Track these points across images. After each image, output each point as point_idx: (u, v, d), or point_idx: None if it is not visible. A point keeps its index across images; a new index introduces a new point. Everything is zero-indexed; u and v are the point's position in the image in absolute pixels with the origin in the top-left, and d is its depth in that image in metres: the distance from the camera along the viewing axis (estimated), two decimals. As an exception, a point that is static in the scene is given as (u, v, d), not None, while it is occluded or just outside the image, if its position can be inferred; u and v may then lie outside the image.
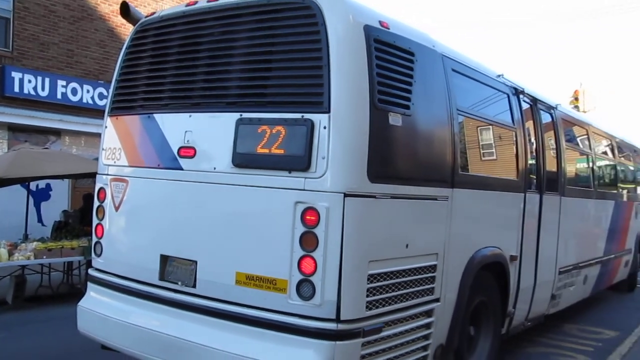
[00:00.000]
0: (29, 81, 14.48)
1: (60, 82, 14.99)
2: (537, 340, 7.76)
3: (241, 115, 4.34)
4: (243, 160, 4.30)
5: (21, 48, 14.60)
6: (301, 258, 4.01)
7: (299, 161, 4.04)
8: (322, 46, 4.08)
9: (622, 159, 11.46)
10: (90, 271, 5.42)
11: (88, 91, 15.30)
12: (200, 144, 4.60)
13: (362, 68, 4.12)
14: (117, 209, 5.16)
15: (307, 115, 4.05)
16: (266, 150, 4.19)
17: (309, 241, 4.00)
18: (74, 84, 15.18)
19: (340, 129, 4.00)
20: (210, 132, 4.56)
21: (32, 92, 14.53)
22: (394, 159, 4.42)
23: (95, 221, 5.37)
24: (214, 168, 4.48)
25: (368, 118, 4.08)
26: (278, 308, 4.09)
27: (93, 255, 5.42)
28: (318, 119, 4.02)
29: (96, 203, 5.38)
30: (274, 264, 4.13)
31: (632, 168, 12.21)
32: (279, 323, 4.06)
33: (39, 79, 14.65)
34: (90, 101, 15.33)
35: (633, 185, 12.16)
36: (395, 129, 4.34)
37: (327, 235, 3.94)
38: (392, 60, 4.42)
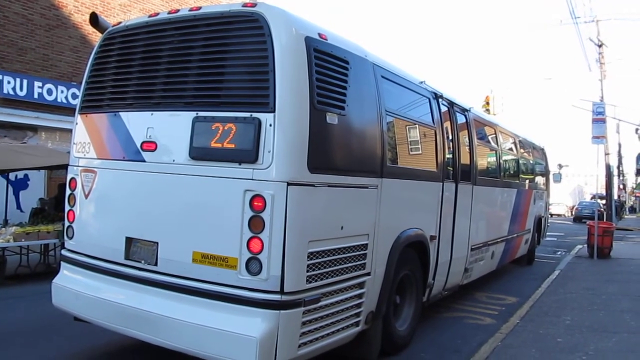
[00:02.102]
0: (8, 82, 13.93)
1: (37, 84, 14.46)
2: (453, 307, 7.93)
3: (197, 113, 4.27)
4: (199, 153, 4.23)
5: (1, 53, 14.00)
6: (250, 239, 3.98)
7: (247, 154, 4.00)
8: (268, 54, 4.04)
9: (524, 153, 11.78)
10: (63, 252, 5.25)
11: (62, 91, 14.79)
12: (160, 139, 4.50)
13: (303, 74, 4.10)
14: (86, 196, 5.01)
15: (255, 114, 4.01)
16: (219, 145, 4.13)
17: (256, 224, 3.97)
18: (49, 85, 14.64)
19: (284, 127, 3.97)
20: (169, 128, 4.46)
21: (12, 92, 13.98)
22: (330, 152, 4.42)
23: (67, 207, 5.21)
24: (173, 160, 4.39)
25: (308, 117, 4.07)
26: (230, 282, 4.05)
27: (65, 237, 5.25)
28: (265, 117, 3.98)
29: (68, 191, 5.22)
30: (226, 244, 4.08)
31: (531, 162, 12.57)
32: (230, 295, 4.03)
33: (18, 80, 14.10)
34: (64, 100, 14.82)
35: (532, 176, 12.53)
36: (332, 127, 4.34)
37: (272, 219, 3.92)
38: (330, 67, 4.42)
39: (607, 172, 31.37)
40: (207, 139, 4.18)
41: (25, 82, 14.24)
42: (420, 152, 6.31)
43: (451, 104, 7.19)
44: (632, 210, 66.28)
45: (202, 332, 4.04)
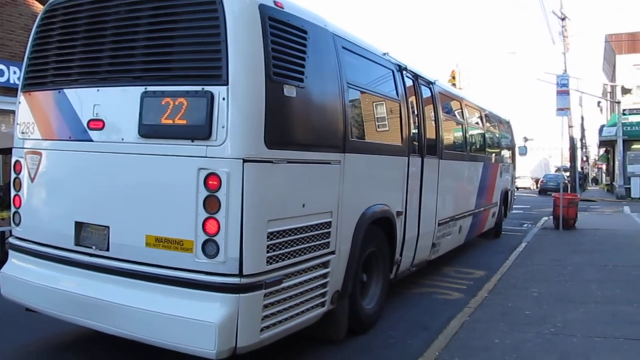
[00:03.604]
0: (-44, 64, 13.23)
1: (-13, 65, 13.79)
2: (421, 282, 7.86)
3: (146, 88, 4.00)
4: (148, 131, 3.97)
5: (-54, 33, 13.26)
6: (205, 220, 3.77)
7: (200, 130, 3.77)
8: (219, 23, 3.79)
9: (490, 127, 11.75)
10: (11, 239, 4.95)
11: (15, 72, 14.07)
12: (108, 116, 4.22)
13: (258, 44, 3.87)
14: (32, 180, 4.71)
15: (207, 88, 3.78)
16: (170, 121, 3.88)
17: (212, 204, 3.75)
18: (0, 66, 13.97)
19: (238, 100, 3.74)
20: (117, 105, 4.18)
21: (-40, 75, 13.30)
22: (289, 127, 4.21)
23: (13, 192, 4.90)
24: (122, 139, 4.12)
25: (264, 90, 3.85)
26: (186, 266, 3.84)
27: (12, 224, 4.96)
28: (217, 90, 3.75)
29: (13, 175, 4.90)
30: (180, 226, 3.87)
31: (497, 135, 12.55)
32: (187, 280, 3.82)
33: (-34, 62, 13.41)
34: (17, 82, 14.09)
35: (498, 150, 12.53)
36: (290, 100, 4.12)
37: (228, 198, 3.72)
38: (286, 37, 4.19)
39: (571, 144, 31.93)
40: (157, 116, 3.93)
41: (-26, 63, 13.58)
42: (384, 126, 6.14)
43: (416, 77, 7.03)
44: (595, 181, 67.89)
45: (158, 320, 3.84)
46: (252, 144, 3.79)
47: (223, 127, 3.72)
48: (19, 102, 4.90)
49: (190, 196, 3.81)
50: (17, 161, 4.87)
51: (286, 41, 4.17)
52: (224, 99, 3.73)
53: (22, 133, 4.82)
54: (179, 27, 4.02)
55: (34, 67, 4.84)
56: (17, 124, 4.91)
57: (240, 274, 3.74)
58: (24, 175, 4.79)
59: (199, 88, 3.80)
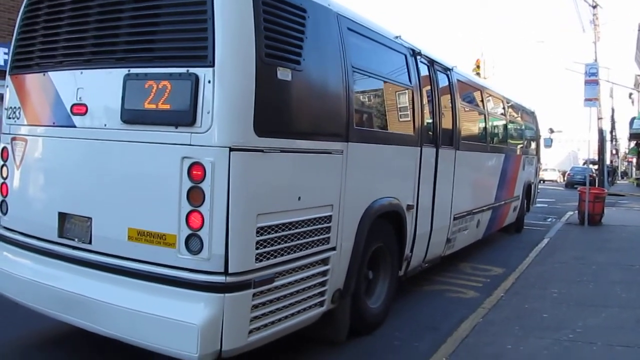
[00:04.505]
0: (-61, 46, 12.96)
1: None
2: (434, 279, 7.51)
3: (129, 70, 3.72)
4: (131, 116, 3.69)
5: None
6: (189, 213, 3.49)
7: (184, 116, 3.47)
8: None
9: (513, 117, 11.27)
10: (-2, 229, 4.75)
11: (6, 53, 13.82)
12: (91, 100, 3.96)
13: (248, 21, 3.54)
14: (18, 167, 4.49)
15: (192, 70, 3.47)
16: (153, 106, 3.59)
17: (195, 196, 3.47)
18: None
19: (225, 83, 3.44)
20: (100, 88, 3.91)
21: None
22: (283, 113, 3.88)
23: (0, 180, 4.69)
24: (105, 125, 3.86)
25: (254, 72, 3.53)
26: (169, 262, 3.57)
27: (0, 213, 4.75)
28: (203, 73, 3.44)
29: (0, 162, 4.69)
30: (163, 220, 3.59)
31: (521, 126, 12.07)
32: (170, 277, 3.55)
33: (-51, 43, 13.15)
34: (2, 63, 13.87)
35: (521, 141, 12.05)
36: (284, 84, 3.80)
37: (213, 190, 3.42)
38: (282, 15, 3.85)
39: (600, 137, 31.06)
40: (140, 100, 3.64)
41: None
42: (394, 114, 5.79)
43: (431, 62, 6.64)
44: (625, 175, 66.30)
45: (138, 319, 3.57)
46: (240, 131, 3.48)
47: (208, 113, 3.43)
48: (6, 86, 4.69)
49: (174, 187, 3.53)
50: (4, 147, 4.66)
51: (281, 19, 3.84)
52: (209, 81, 3.43)
53: (9, 118, 4.61)
54: (163, 4, 3.72)
55: (21, 50, 4.60)
56: (5, 108, 4.69)
57: (226, 272, 3.46)
58: (10, 163, 4.58)
59: (183, 70, 3.50)
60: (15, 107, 4.56)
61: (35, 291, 4.17)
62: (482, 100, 8.98)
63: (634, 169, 60.32)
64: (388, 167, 5.46)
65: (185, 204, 3.50)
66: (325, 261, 4.40)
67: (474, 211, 8.30)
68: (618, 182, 50.69)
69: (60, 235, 4.14)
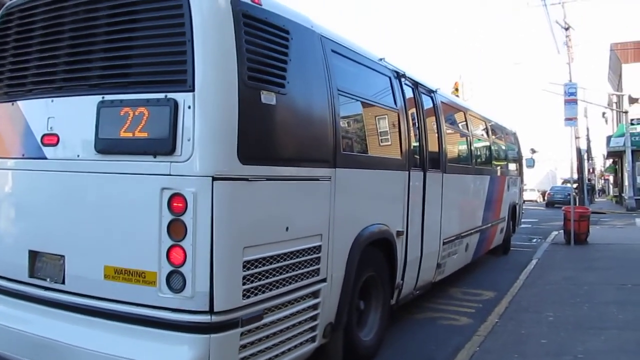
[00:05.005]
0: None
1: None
2: (425, 306, 7.28)
3: (103, 97, 3.50)
4: (106, 145, 3.47)
5: None
6: (170, 248, 3.25)
7: (163, 144, 3.26)
8: (185, 20, 3.30)
9: (496, 138, 11.22)
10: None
11: None
12: (63, 130, 3.73)
13: (229, 44, 3.36)
14: (-13, 203, 4.21)
15: (170, 95, 3.27)
16: (130, 134, 3.38)
17: (177, 230, 3.23)
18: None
19: (206, 109, 3.24)
20: (73, 117, 3.68)
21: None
22: (268, 139, 3.69)
23: (-32, 217, 4.40)
24: (78, 156, 3.62)
25: (237, 96, 3.33)
26: (149, 302, 3.32)
27: (-33, 252, 4.44)
28: (182, 98, 3.24)
29: (-32, 198, 4.40)
30: (142, 256, 3.35)
31: (504, 147, 12.03)
32: (150, 318, 3.30)
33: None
34: None
35: (505, 162, 11.99)
36: (268, 108, 3.61)
37: (195, 223, 3.19)
38: (264, 37, 3.68)
39: (578, 155, 31.31)
40: (116, 128, 3.42)
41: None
42: (381, 138, 5.62)
43: (416, 85, 6.52)
44: (602, 192, 67.13)
45: (116, 365, 3.30)
46: (223, 159, 3.27)
47: (189, 140, 3.21)
48: (-25, 117, 4.42)
49: (153, 221, 3.29)
50: (-28, 182, 4.37)
51: (264, 41, 3.67)
52: (189, 107, 3.23)
53: (-24, 150, 4.34)
54: (139, 26, 3.53)
55: (-12, 78, 4.36)
56: (-26, 140, 4.42)
57: (211, 311, 3.21)
58: (-20, 198, 4.29)
59: (161, 95, 3.29)
60: (-17, 139, 4.30)
61: (3, 337, 3.87)
62: (465, 122, 8.89)
63: (611, 186, 61.10)
64: (377, 193, 5.27)
65: (165, 238, 3.26)
66: (315, 294, 4.17)
67: (462, 235, 8.14)
68: (597, 199, 51.19)
69: (31, 275, 3.86)
